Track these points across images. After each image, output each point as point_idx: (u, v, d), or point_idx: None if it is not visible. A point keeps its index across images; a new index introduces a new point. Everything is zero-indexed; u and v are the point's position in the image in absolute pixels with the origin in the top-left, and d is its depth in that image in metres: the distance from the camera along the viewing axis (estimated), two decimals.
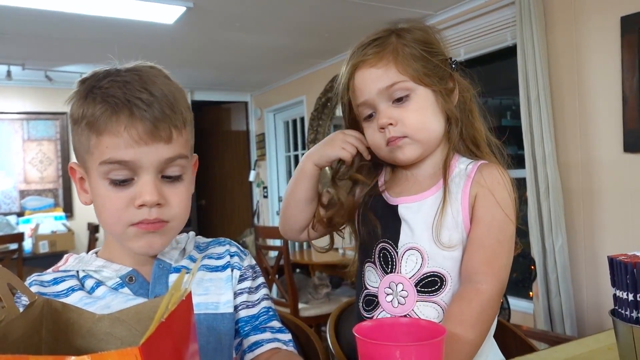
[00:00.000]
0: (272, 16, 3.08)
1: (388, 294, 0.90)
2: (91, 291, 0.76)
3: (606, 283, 2.35)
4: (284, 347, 0.83)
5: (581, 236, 2.44)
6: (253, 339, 0.83)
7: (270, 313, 0.87)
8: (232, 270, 0.85)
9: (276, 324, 0.86)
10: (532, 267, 2.43)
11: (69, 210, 4.61)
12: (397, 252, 0.90)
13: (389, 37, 0.91)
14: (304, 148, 4.86)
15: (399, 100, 0.87)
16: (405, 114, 0.87)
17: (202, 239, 0.91)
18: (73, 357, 0.37)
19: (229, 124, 5.87)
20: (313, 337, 1.04)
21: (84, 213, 4.63)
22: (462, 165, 0.92)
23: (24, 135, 4.52)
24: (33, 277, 0.78)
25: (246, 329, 0.84)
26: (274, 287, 3.26)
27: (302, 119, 4.88)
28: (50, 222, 4.19)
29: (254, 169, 5.60)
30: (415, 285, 0.88)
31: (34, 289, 0.75)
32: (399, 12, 3.06)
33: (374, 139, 0.91)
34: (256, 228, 3.63)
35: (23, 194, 4.50)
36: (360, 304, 0.95)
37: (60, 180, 4.64)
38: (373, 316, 0.92)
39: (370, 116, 0.91)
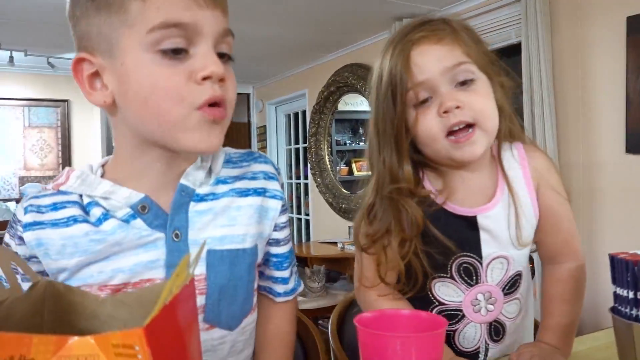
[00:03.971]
0: (277, 7, 3.07)
1: (475, 305, 0.86)
2: (97, 223, 0.65)
3: (604, 283, 2.35)
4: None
5: (580, 237, 2.44)
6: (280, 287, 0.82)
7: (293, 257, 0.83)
8: (272, 200, 0.76)
9: (294, 269, 0.84)
10: (531, 265, 2.43)
11: None
12: (481, 264, 0.85)
13: (439, 21, 0.81)
14: (305, 142, 4.86)
15: (464, 83, 0.78)
16: (473, 98, 0.77)
17: (232, 150, 0.78)
18: (76, 337, 0.37)
19: None
20: (312, 329, 1.04)
21: None
22: (505, 152, 0.87)
23: (24, 122, 4.51)
24: (30, 200, 0.68)
25: (275, 260, 0.81)
26: None
27: (304, 112, 4.86)
28: None
29: None
30: (502, 290, 0.88)
31: (29, 216, 0.66)
32: (404, 7, 3.05)
33: (431, 127, 0.78)
34: None
35: (22, 180, 4.50)
36: None
37: (60, 168, 4.64)
38: (457, 329, 0.87)
39: (425, 101, 0.79)
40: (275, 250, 0.80)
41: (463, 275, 0.86)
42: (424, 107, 0.79)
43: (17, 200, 4.35)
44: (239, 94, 5.82)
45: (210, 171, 0.72)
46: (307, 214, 4.95)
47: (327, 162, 4.48)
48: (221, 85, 0.61)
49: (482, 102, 0.78)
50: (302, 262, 3.86)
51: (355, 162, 5.09)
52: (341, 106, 4.53)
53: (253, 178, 0.75)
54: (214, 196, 0.71)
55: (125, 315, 0.48)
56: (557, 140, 2.45)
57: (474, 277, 0.86)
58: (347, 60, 4.07)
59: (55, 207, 0.66)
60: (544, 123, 2.45)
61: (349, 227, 3.89)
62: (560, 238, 0.88)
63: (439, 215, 0.83)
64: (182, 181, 0.68)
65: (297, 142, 5.26)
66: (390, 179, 0.82)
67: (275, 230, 0.78)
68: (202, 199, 0.70)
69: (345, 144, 5.11)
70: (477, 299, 0.86)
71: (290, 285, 0.83)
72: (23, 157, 4.50)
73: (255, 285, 0.77)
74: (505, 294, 0.88)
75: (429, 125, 0.79)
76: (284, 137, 5.45)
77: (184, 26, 0.58)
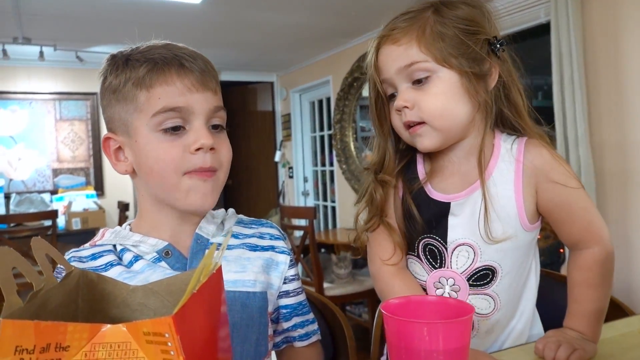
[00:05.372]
0: None
1: (438, 288, 0.89)
2: (129, 265, 0.76)
3: (638, 268, 2.30)
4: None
5: (613, 219, 2.38)
6: (299, 330, 0.88)
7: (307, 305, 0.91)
8: (282, 255, 0.87)
9: (310, 316, 0.91)
10: (562, 250, 2.39)
11: (99, 189, 4.72)
12: (446, 249, 0.87)
13: (425, 11, 0.83)
14: (329, 128, 4.84)
15: (419, 81, 0.81)
16: (424, 98, 0.81)
17: (245, 217, 0.91)
18: (109, 325, 0.38)
19: (255, 104, 5.88)
20: (340, 316, 1.05)
21: (114, 191, 4.74)
22: (506, 145, 0.87)
23: (56, 115, 4.62)
24: (71, 252, 0.79)
25: (284, 312, 0.87)
26: (299, 266, 3.30)
27: (328, 100, 4.84)
28: (82, 200, 4.30)
29: (279, 150, 5.61)
30: (468, 280, 0.87)
31: (73, 264, 0.77)
32: None
33: (395, 121, 0.86)
34: (282, 208, 3.65)
35: (56, 172, 4.62)
36: None
37: (91, 160, 4.75)
38: None
39: (392, 95, 0.86)
40: (284, 301, 0.87)
41: (428, 256, 0.90)
42: (392, 101, 0.86)
43: (52, 192, 4.48)
44: (263, 82, 5.84)
45: (222, 226, 0.84)
46: (333, 201, 4.95)
47: (353, 149, 4.46)
48: (212, 153, 0.75)
49: (431, 102, 0.81)
50: (329, 249, 3.88)
51: None
52: (365, 92, 4.48)
53: (261, 237, 0.87)
54: (226, 246, 0.81)
55: (156, 303, 0.49)
56: (588, 120, 2.38)
57: (439, 260, 0.89)
58: None
59: (94, 256, 0.78)
60: (575, 103, 2.38)
61: None
62: (576, 227, 0.86)
63: (418, 195, 0.89)
64: (198, 231, 0.80)
65: (322, 129, 5.25)
66: (377, 156, 0.93)
67: (284, 282, 0.87)
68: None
69: (370, 130, 5.07)
70: (439, 282, 0.89)
71: (304, 330, 0.89)
72: (56, 149, 4.62)
73: (270, 332, 0.84)
74: (471, 286, 0.87)
75: (394, 119, 0.86)
76: (308, 124, 5.44)
77: (179, 109, 0.72)
